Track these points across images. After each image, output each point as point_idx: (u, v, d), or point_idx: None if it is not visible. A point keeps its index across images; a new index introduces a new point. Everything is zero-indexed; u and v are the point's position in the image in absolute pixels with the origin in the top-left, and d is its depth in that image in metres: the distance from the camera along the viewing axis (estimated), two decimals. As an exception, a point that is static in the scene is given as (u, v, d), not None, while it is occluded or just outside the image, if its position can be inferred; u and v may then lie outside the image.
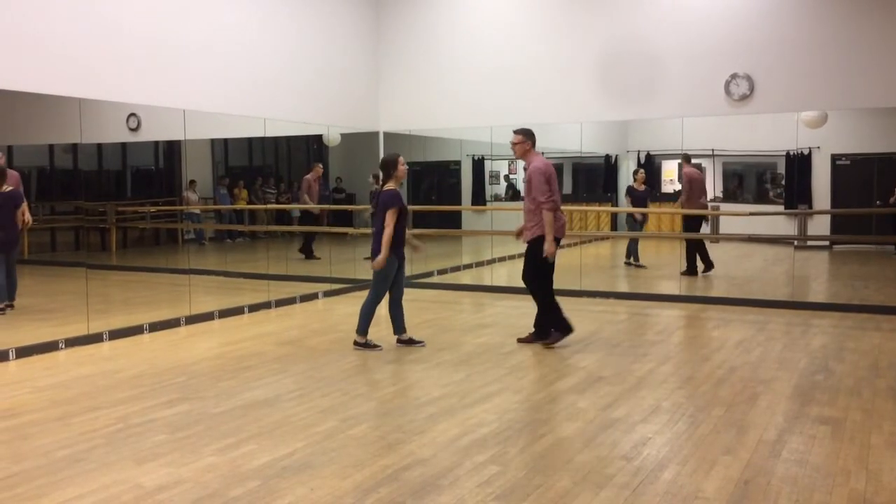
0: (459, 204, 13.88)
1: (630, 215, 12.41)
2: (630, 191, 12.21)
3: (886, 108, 9.07)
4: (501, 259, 12.84)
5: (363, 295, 7.25)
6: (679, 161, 11.65)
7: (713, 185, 12.40)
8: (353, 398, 5.46)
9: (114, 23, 7.82)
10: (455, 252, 13.82)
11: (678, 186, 12.21)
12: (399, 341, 7.13)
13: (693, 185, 11.22)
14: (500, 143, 10.45)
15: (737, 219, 11.60)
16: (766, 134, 11.84)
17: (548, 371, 6.29)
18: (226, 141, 12.83)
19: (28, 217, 8.50)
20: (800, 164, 12.15)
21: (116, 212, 11.66)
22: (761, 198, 13.25)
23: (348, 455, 4.30)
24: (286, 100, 9.97)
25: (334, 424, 4.84)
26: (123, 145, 11.15)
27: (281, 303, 9.57)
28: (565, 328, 7.06)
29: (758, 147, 12.35)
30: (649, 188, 12.27)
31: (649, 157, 13.03)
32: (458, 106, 11.03)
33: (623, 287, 11.26)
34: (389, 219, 6.74)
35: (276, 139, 13.31)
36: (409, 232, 7.26)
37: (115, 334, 7.63)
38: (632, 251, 12.29)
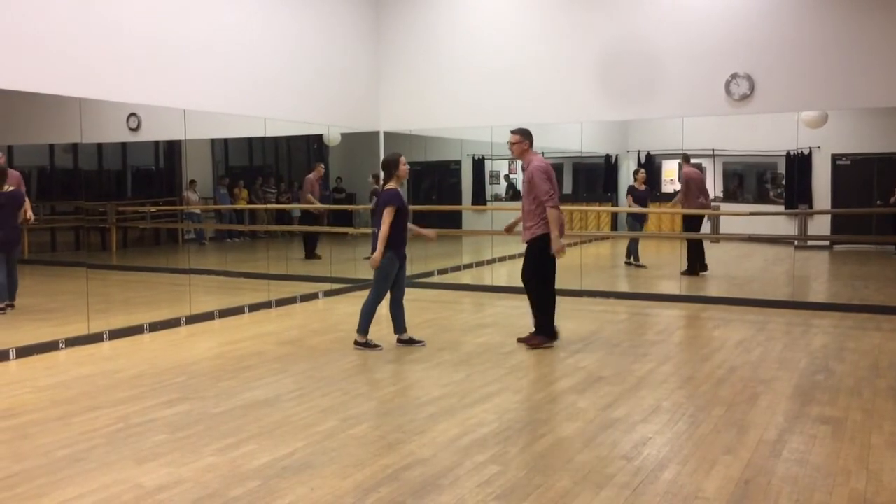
0: (460, 204, 13.88)
1: (630, 215, 12.41)
2: (632, 190, 12.22)
3: (887, 107, 9.07)
4: (502, 259, 12.84)
5: (363, 295, 7.25)
6: (679, 161, 11.65)
7: (713, 185, 12.40)
8: (353, 398, 5.46)
9: (114, 23, 7.82)
10: (455, 252, 13.83)
11: (678, 186, 12.21)
12: (399, 341, 7.13)
13: (690, 185, 11.21)
14: (501, 142, 10.44)
15: (737, 219, 11.60)
16: (767, 134, 11.84)
17: (548, 371, 6.29)
18: (226, 141, 12.83)
19: (30, 215, 8.52)
20: (800, 163, 12.15)
21: (117, 211, 11.66)
22: (762, 198, 13.24)
23: (349, 455, 4.30)
24: (286, 99, 9.97)
25: (334, 424, 4.84)
26: (124, 145, 11.15)
27: (281, 302, 9.57)
28: (550, 334, 7.05)
29: (758, 147, 12.35)
30: (649, 188, 12.28)
31: (649, 156, 13.03)
32: (458, 106, 11.03)
33: (623, 287, 11.26)
34: (386, 216, 6.76)
35: (276, 139, 13.31)
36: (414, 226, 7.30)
37: (116, 334, 7.64)
38: (632, 251, 12.29)
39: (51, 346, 7.08)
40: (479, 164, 13.89)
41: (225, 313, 8.85)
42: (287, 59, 9.98)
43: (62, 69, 7.37)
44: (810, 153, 12.16)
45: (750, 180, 13.58)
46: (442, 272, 12.02)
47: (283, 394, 5.56)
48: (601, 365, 6.36)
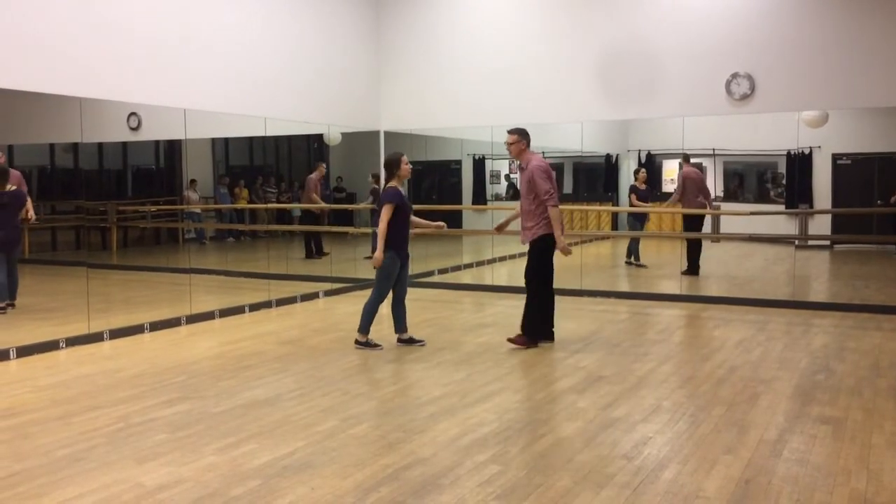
0: (460, 203, 13.89)
1: (631, 215, 12.41)
2: (633, 189, 12.22)
3: (887, 107, 9.06)
4: (502, 258, 12.84)
5: (364, 294, 7.26)
6: (679, 161, 11.65)
7: (714, 185, 12.40)
8: (353, 397, 5.46)
9: (114, 22, 7.82)
10: (456, 251, 13.84)
11: (678, 186, 12.22)
12: (399, 340, 7.13)
13: (688, 185, 11.20)
14: (501, 142, 10.37)
15: (737, 218, 11.59)
16: (767, 133, 11.84)
17: (548, 371, 6.29)
18: (226, 140, 12.84)
19: (31, 214, 8.53)
20: (801, 163, 12.14)
21: (117, 211, 11.67)
22: (762, 197, 13.24)
23: (349, 454, 4.30)
24: (287, 99, 9.97)
25: (335, 424, 4.84)
26: (124, 144, 11.16)
27: (281, 302, 9.57)
28: (535, 338, 7.03)
29: (759, 146, 12.35)
30: (650, 187, 12.28)
31: (650, 156, 13.03)
32: (458, 106, 11.03)
33: (624, 286, 11.25)
34: (384, 214, 6.77)
35: (276, 138, 13.32)
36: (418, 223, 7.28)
37: (116, 333, 7.64)
38: (633, 251, 12.30)
39: (51, 346, 7.08)
40: (479, 164, 13.90)
41: (225, 313, 8.85)
42: (287, 58, 9.98)
43: (62, 69, 7.37)
44: (811, 153, 12.16)
45: (750, 180, 13.58)
46: (442, 272, 12.02)
47: (284, 393, 5.56)
48: (601, 364, 6.36)
